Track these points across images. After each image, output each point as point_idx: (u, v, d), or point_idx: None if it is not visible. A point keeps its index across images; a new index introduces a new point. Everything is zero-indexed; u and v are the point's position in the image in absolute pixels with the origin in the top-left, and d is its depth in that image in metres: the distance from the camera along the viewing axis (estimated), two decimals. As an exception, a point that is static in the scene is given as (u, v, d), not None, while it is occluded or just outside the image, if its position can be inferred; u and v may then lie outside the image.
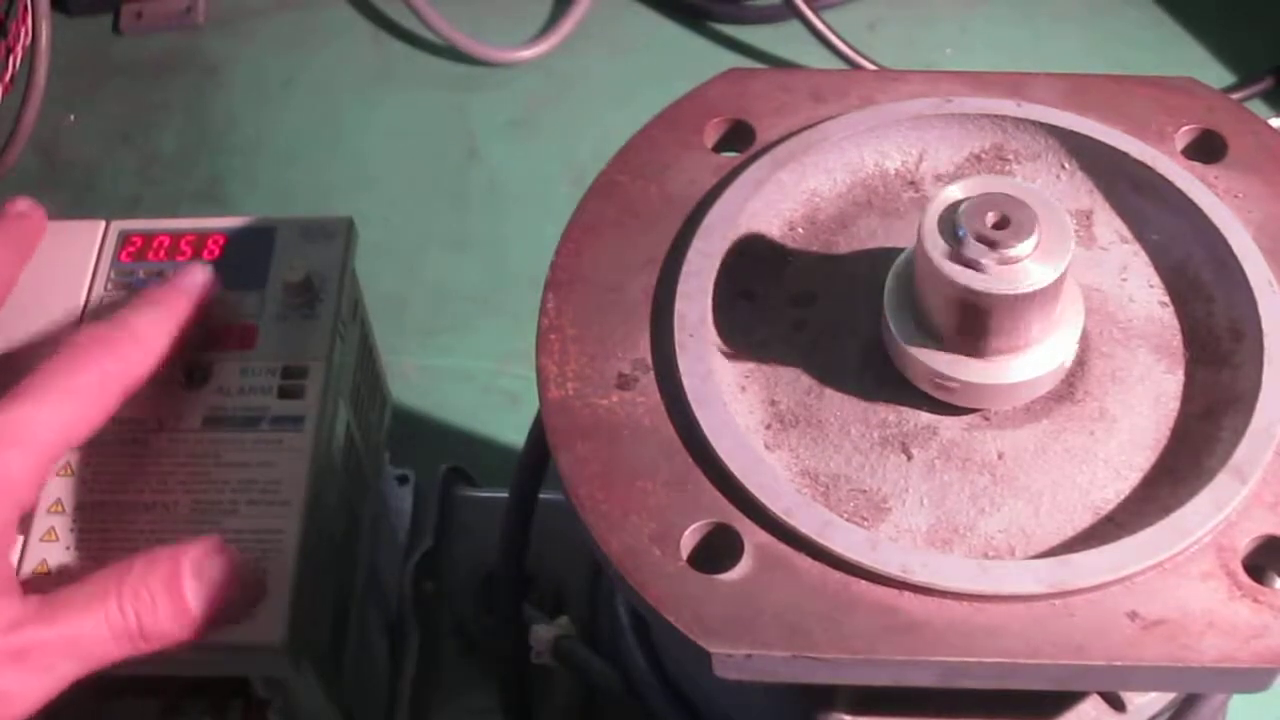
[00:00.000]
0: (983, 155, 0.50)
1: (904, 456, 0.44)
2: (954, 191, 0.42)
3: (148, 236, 0.63)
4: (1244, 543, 0.41)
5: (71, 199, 1.03)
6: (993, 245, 0.41)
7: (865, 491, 0.43)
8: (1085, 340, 0.45)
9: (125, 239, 0.63)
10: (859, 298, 0.47)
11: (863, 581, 0.41)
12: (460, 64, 1.10)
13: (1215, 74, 1.08)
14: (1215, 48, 1.10)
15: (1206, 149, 0.49)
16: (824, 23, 1.06)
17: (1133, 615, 0.40)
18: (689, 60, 1.10)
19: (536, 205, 1.02)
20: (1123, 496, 0.43)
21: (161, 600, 0.50)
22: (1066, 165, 0.50)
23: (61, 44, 1.05)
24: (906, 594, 0.40)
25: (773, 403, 0.45)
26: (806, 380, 0.46)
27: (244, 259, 0.62)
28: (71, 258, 0.63)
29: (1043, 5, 1.13)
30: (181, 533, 0.56)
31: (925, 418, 0.45)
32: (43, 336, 0.59)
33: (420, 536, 0.72)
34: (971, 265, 0.41)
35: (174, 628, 0.51)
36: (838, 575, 0.41)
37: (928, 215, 0.42)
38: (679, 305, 0.45)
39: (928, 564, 0.40)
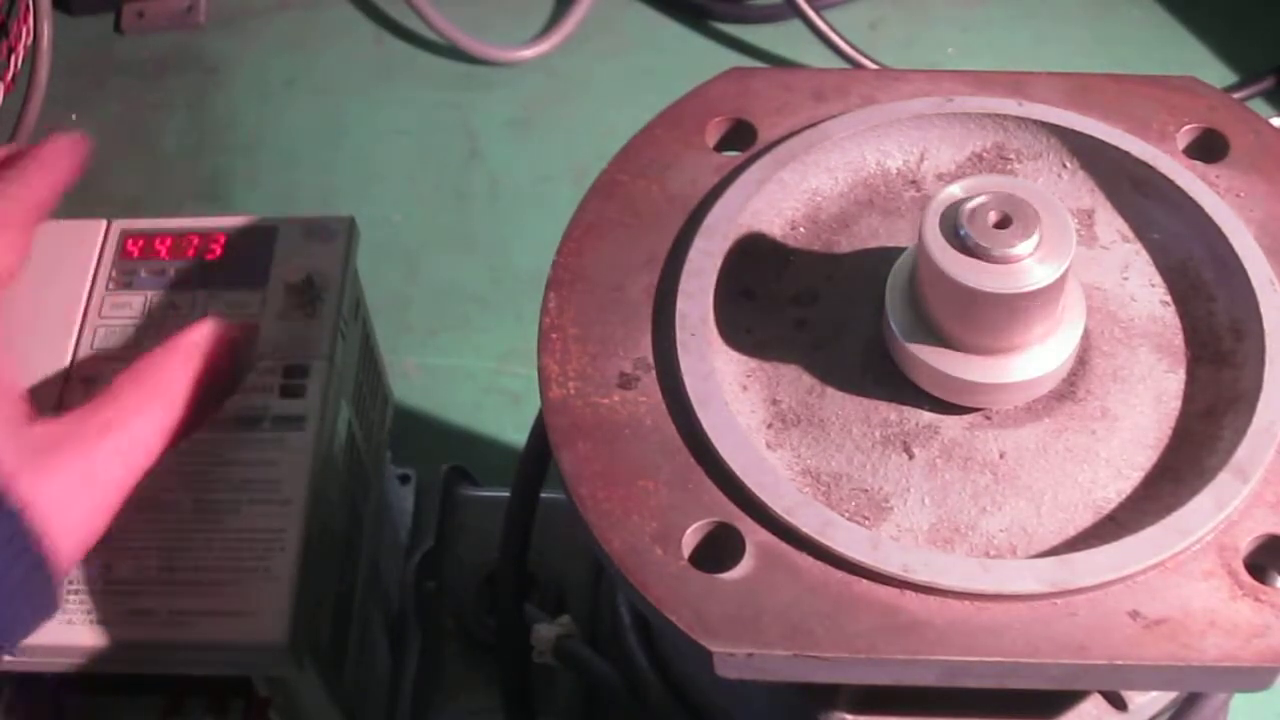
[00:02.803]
0: (984, 154, 0.50)
1: (905, 455, 0.44)
2: (955, 191, 0.42)
3: (149, 236, 0.63)
4: (1245, 542, 0.41)
5: (72, 198, 1.03)
6: (994, 244, 0.41)
7: (866, 491, 0.43)
8: (1087, 339, 0.45)
9: (126, 238, 0.63)
10: (861, 297, 0.47)
11: (864, 581, 0.41)
12: (462, 63, 1.10)
13: (1217, 73, 1.08)
14: (1216, 47, 1.10)
15: (1208, 148, 0.49)
16: (825, 22, 1.06)
17: (1134, 614, 0.40)
18: (690, 59, 1.10)
19: (538, 204, 1.02)
20: (1124, 495, 0.43)
21: (180, 386, 0.51)
22: (1068, 164, 0.50)
23: (63, 43, 1.05)
24: (908, 593, 0.40)
25: (774, 402, 0.45)
26: (808, 379, 0.46)
27: (245, 258, 0.62)
28: (72, 257, 0.63)
29: (1044, 5, 1.13)
30: (182, 532, 0.56)
31: (927, 417, 0.45)
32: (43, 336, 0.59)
33: (422, 536, 0.72)
34: (973, 264, 0.41)
35: (205, 406, 0.52)
36: (839, 574, 0.41)
37: (929, 214, 0.42)
38: (680, 304, 0.45)
39: (929, 563, 0.40)
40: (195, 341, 0.52)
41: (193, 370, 0.51)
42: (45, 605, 0.47)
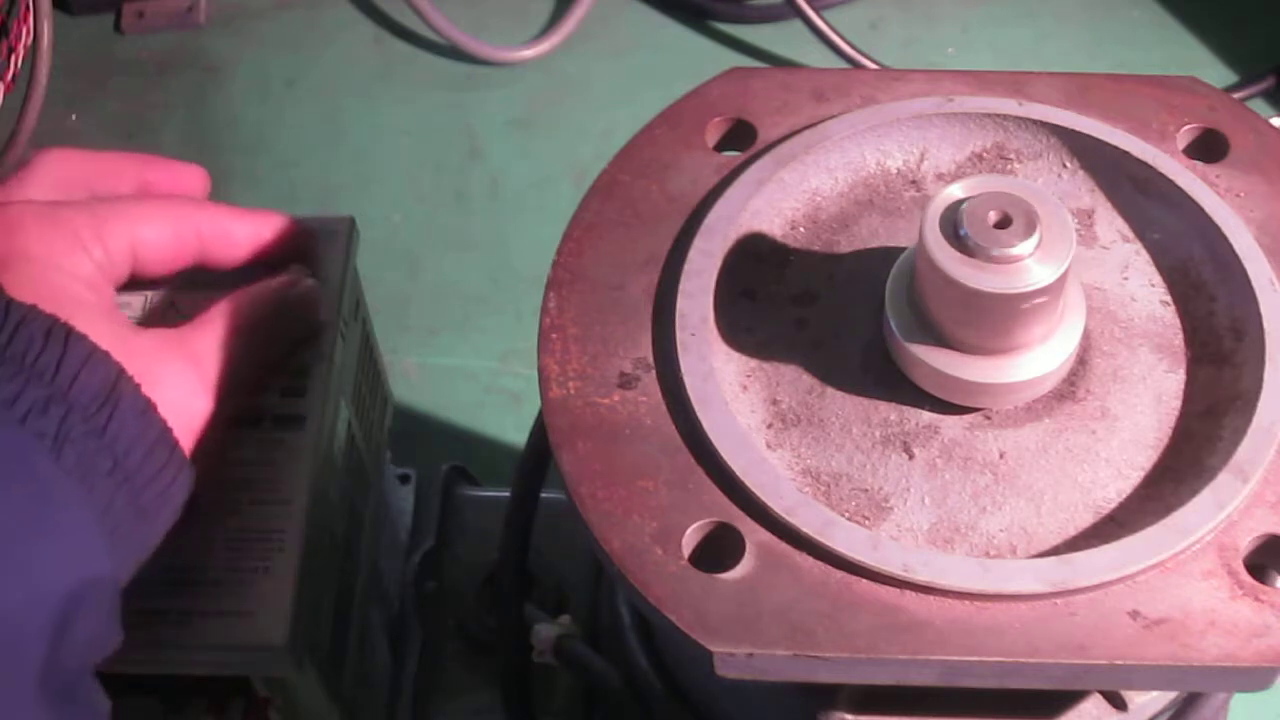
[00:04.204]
0: (984, 154, 0.50)
1: (905, 455, 0.44)
2: (955, 190, 0.42)
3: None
4: (1245, 542, 0.41)
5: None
6: (994, 244, 0.41)
7: (867, 491, 0.43)
8: (1087, 339, 0.45)
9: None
10: (860, 297, 0.47)
11: (864, 580, 0.41)
12: (462, 64, 1.10)
13: (1217, 73, 1.08)
14: (1216, 47, 1.10)
15: (1208, 148, 0.49)
16: (825, 22, 1.06)
17: (1134, 614, 0.40)
18: (690, 60, 1.10)
19: (538, 204, 1.02)
20: (1124, 495, 0.43)
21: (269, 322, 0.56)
22: (1068, 164, 0.50)
23: (63, 43, 1.05)
24: (908, 593, 0.40)
25: (774, 402, 0.45)
26: (808, 379, 0.46)
27: (246, 258, 0.62)
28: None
29: (1044, 5, 1.13)
30: (182, 532, 0.56)
31: (927, 417, 0.45)
32: None
33: (422, 536, 0.72)
34: (973, 264, 0.41)
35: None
36: (839, 574, 0.41)
37: (929, 214, 0.42)
38: (680, 304, 0.45)
39: (929, 563, 0.40)
40: (286, 285, 0.56)
41: (276, 314, 0.56)
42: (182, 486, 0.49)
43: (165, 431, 0.48)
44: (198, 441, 0.51)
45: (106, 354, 0.46)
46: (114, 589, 0.46)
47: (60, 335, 0.46)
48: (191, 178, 0.58)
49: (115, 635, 0.47)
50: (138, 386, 0.47)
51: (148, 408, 0.47)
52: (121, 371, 0.47)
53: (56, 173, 0.54)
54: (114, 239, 0.52)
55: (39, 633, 0.43)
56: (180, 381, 0.50)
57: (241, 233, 0.56)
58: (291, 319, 0.57)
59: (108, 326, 0.48)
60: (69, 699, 0.45)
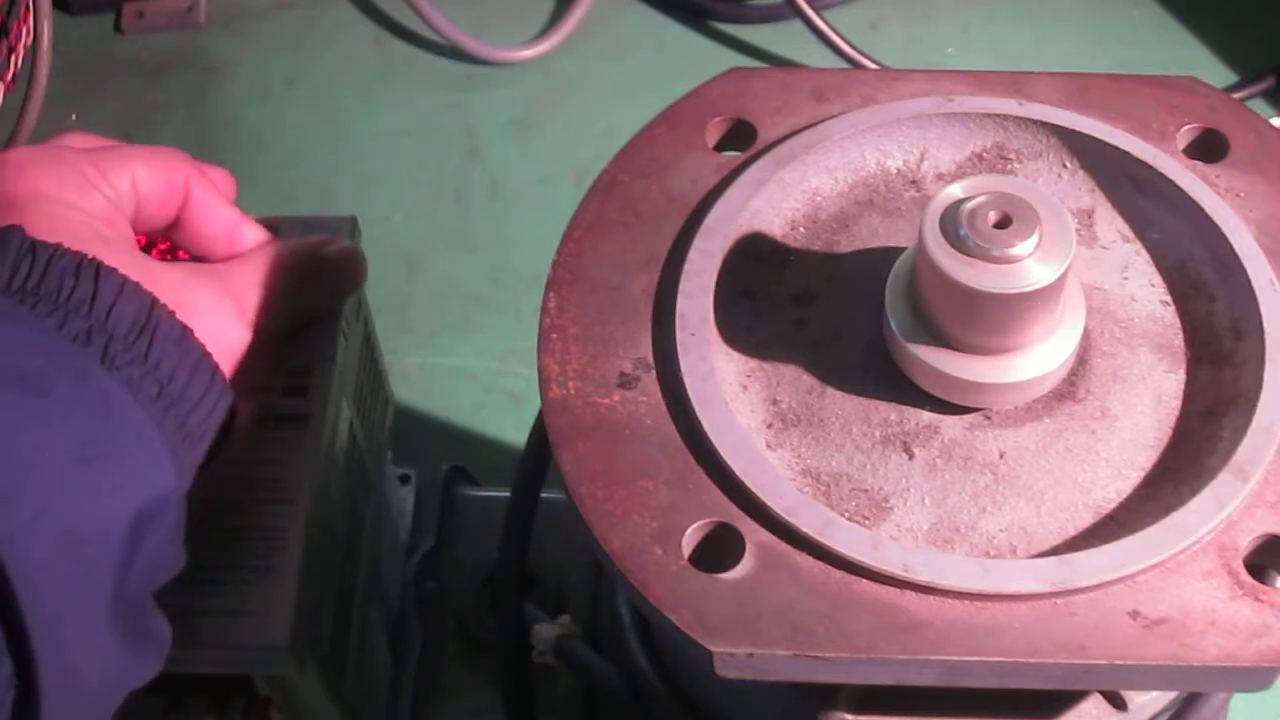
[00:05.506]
0: (984, 154, 0.50)
1: (905, 455, 0.44)
2: (955, 190, 0.42)
3: (149, 235, 0.63)
4: (1245, 542, 0.41)
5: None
6: (994, 244, 0.41)
7: (867, 491, 0.43)
8: (1087, 339, 0.45)
9: (127, 238, 0.63)
10: (861, 297, 0.47)
11: (864, 581, 0.41)
12: (462, 64, 1.10)
13: (1217, 73, 1.08)
14: (1216, 47, 1.10)
15: (1208, 148, 0.49)
16: (825, 22, 1.06)
17: (1134, 614, 0.40)
18: (690, 60, 1.10)
19: (538, 204, 1.02)
20: (1124, 495, 0.43)
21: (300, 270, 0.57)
22: (1068, 164, 0.50)
23: (63, 43, 1.05)
24: (908, 593, 0.40)
25: (774, 402, 0.45)
26: (808, 379, 0.46)
27: (246, 258, 0.62)
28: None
29: (1044, 5, 1.13)
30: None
31: (927, 417, 0.45)
32: None
33: (422, 536, 0.72)
34: (973, 264, 0.41)
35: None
36: (839, 574, 0.41)
37: (929, 214, 0.42)
38: (680, 304, 0.45)
39: (929, 563, 0.40)
40: (325, 241, 0.58)
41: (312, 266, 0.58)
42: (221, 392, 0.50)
43: (204, 356, 0.48)
44: (236, 368, 0.52)
45: (138, 284, 0.47)
46: (180, 508, 0.46)
47: (90, 271, 0.46)
48: (217, 179, 0.58)
49: (179, 557, 0.47)
50: (172, 314, 0.47)
51: (184, 334, 0.48)
52: (155, 300, 0.47)
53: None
54: (117, 176, 0.52)
55: (115, 553, 0.43)
56: (215, 311, 0.51)
57: (223, 213, 0.56)
58: (330, 273, 0.59)
59: (134, 259, 0.48)
60: (139, 621, 0.45)
